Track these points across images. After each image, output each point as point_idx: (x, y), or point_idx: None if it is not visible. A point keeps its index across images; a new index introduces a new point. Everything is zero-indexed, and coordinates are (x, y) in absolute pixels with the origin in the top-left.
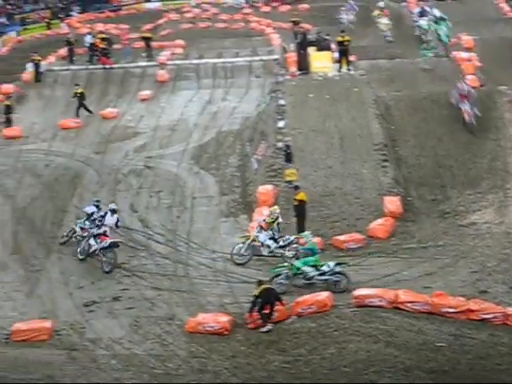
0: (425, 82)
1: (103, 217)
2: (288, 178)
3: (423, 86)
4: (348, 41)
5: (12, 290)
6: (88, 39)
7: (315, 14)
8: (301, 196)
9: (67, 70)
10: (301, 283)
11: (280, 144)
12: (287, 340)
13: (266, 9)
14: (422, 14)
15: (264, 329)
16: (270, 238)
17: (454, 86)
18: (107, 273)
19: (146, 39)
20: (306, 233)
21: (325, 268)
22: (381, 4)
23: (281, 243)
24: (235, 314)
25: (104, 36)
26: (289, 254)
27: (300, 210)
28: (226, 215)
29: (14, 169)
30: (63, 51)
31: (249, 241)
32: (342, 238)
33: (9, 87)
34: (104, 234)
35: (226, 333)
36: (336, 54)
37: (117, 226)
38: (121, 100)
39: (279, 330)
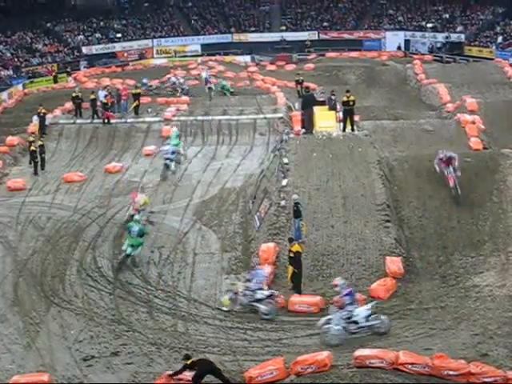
0: (428, 143)
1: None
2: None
3: (427, 147)
4: (353, 101)
5: (11, 343)
6: (101, 94)
7: (320, 73)
8: (296, 248)
9: (73, 123)
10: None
11: (283, 202)
12: None
13: (272, 67)
14: None
15: None
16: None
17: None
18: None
19: (136, 95)
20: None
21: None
22: None
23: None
24: (234, 371)
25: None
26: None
27: (296, 261)
28: (227, 272)
29: (17, 221)
30: (69, 105)
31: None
32: None
33: (14, 139)
34: None
35: None
36: (340, 114)
37: None
38: (125, 154)
39: None
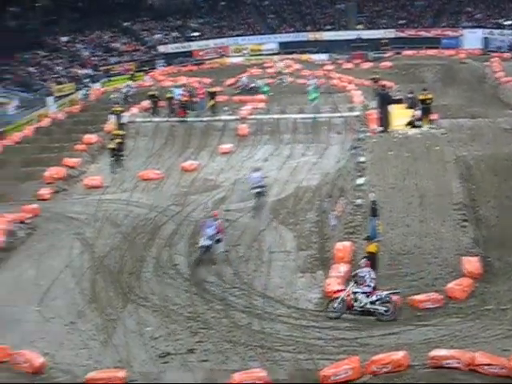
0: (506, 142)
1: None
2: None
3: (505, 146)
4: (430, 99)
5: (88, 338)
6: (177, 92)
7: (397, 72)
8: (370, 248)
9: (149, 121)
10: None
11: (359, 201)
12: None
13: (348, 65)
14: None
15: None
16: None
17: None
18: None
19: (212, 94)
20: None
21: (375, 297)
22: None
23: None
24: (310, 370)
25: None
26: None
27: (371, 262)
28: (302, 270)
29: (94, 218)
30: (146, 103)
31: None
32: (419, 297)
33: (92, 137)
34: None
35: None
36: (417, 112)
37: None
38: (202, 153)
39: None
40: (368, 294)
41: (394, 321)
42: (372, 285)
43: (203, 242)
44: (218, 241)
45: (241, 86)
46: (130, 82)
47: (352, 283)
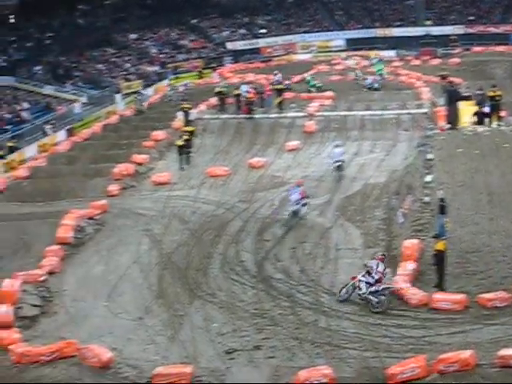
0: None
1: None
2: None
3: None
4: (500, 96)
5: (155, 334)
6: (244, 89)
7: (465, 68)
8: (439, 246)
9: (217, 118)
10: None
11: (427, 198)
12: None
13: (416, 62)
14: None
15: None
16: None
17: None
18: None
19: (279, 91)
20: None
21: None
22: None
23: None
24: (376, 368)
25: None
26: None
27: (437, 259)
28: None
29: (162, 214)
30: (213, 100)
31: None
32: (487, 296)
33: (159, 134)
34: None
35: None
36: (486, 109)
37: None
38: (269, 150)
39: None
40: (369, 285)
41: (382, 313)
42: (376, 277)
43: (291, 207)
44: (304, 205)
45: (274, 83)
46: (187, 81)
47: (363, 272)
